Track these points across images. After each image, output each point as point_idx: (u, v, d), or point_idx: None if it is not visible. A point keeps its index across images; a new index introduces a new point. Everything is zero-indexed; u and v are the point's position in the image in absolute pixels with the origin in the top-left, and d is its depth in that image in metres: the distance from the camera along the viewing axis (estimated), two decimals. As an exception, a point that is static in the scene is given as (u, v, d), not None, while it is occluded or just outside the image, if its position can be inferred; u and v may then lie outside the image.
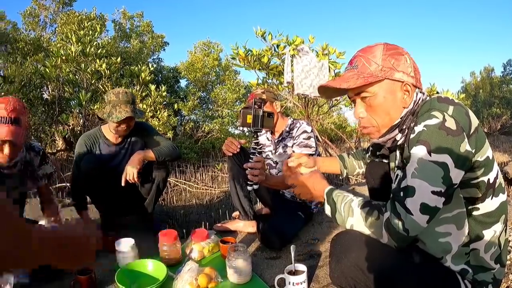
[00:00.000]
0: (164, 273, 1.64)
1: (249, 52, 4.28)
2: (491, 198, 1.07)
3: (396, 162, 1.24)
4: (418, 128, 1.03)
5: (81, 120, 5.02)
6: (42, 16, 8.04)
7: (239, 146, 2.22)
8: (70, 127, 5.09)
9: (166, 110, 5.43)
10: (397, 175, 1.20)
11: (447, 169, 0.99)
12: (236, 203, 2.32)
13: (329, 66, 4.35)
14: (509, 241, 1.98)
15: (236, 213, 2.58)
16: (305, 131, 2.28)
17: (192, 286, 1.56)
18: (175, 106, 6.50)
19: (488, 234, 1.09)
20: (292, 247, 1.62)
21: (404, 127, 1.15)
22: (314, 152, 2.25)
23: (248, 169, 1.65)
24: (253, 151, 1.63)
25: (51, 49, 5.07)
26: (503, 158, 5.22)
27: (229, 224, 2.39)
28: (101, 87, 4.78)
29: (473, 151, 1.01)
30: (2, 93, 3.81)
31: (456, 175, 1.01)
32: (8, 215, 0.60)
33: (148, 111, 5.00)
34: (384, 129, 1.18)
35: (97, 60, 4.61)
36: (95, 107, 4.58)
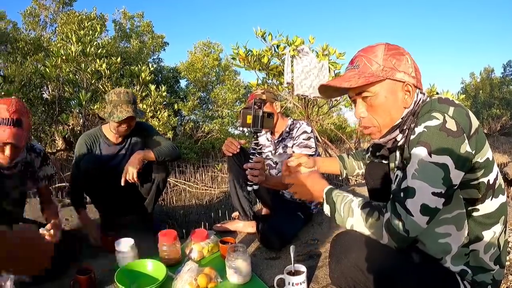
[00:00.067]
0: (163, 273, 1.64)
1: (249, 52, 4.28)
2: (491, 199, 1.08)
3: (396, 162, 1.24)
4: (418, 129, 1.03)
5: (81, 120, 5.02)
6: (42, 16, 8.05)
7: (239, 147, 2.22)
8: (70, 127, 5.09)
9: (166, 110, 5.43)
10: (397, 175, 1.21)
11: (448, 170, 0.99)
12: (236, 204, 2.32)
13: (329, 67, 4.35)
14: (509, 242, 1.98)
15: (235, 214, 2.58)
16: (305, 132, 2.28)
17: (192, 286, 1.56)
18: (175, 106, 6.50)
19: (488, 235, 1.09)
20: (291, 248, 1.62)
21: (404, 127, 1.15)
22: (314, 153, 2.25)
23: (248, 169, 1.65)
24: (253, 151, 1.63)
25: (51, 49, 5.07)
26: (503, 159, 5.22)
27: (229, 225, 2.39)
28: (101, 87, 4.78)
29: (473, 152, 1.02)
30: (2, 93, 3.80)
31: (456, 176, 1.01)
32: None
33: (148, 111, 5.00)
34: (385, 129, 1.18)
35: (97, 60, 4.61)
36: (95, 107, 4.58)
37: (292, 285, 1.53)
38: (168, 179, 2.76)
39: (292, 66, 4.16)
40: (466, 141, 1.00)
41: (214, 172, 5.02)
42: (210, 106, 8.74)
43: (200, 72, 8.33)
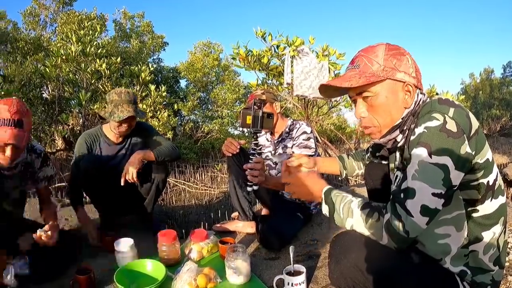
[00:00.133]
0: (163, 273, 1.64)
1: (249, 52, 4.28)
2: (491, 200, 1.08)
3: (396, 163, 1.24)
4: (418, 130, 1.03)
5: (81, 120, 5.02)
6: (43, 16, 8.05)
7: (238, 147, 2.22)
8: (69, 127, 5.09)
9: (166, 110, 5.42)
10: (397, 176, 1.21)
11: (448, 171, 0.99)
12: (235, 204, 2.32)
13: (329, 67, 4.35)
14: (508, 243, 1.98)
15: (235, 214, 2.58)
16: (304, 132, 2.28)
17: (191, 286, 1.56)
18: (175, 106, 6.49)
19: (487, 236, 1.09)
20: (291, 248, 1.62)
21: (405, 127, 1.15)
22: (313, 153, 2.25)
23: (248, 170, 1.65)
24: (253, 152, 1.63)
25: (51, 49, 5.07)
26: (503, 160, 5.22)
27: (228, 225, 2.39)
28: (101, 87, 4.77)
29: (473, 153, 1.02)
30: (2, 93, 3.80)
31: (456, 177, 1.01)
32: None
33: (148, 111, 5.00)
34: (385, 129, 1.18)
35: (97, 60, 4.61)
36: (95, 107, 4.58)
37: (292, 285, 1.53)
38: (167, 179, 2.76)
39: (292, 66, 4.16)
40: (466, 142, 1.00)
41: (213, 172, 5.02)
42: (210, 106, 8.74)
43: (200, 72, 8.33)
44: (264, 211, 2.58)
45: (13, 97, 1.64)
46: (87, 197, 2.42)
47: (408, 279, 1.12)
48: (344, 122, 9.34)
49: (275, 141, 2.40)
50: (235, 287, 1.67)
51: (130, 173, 2.05)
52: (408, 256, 1.14)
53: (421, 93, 1.16)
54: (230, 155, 2.23)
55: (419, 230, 1.02)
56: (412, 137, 1.05)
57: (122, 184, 2.05)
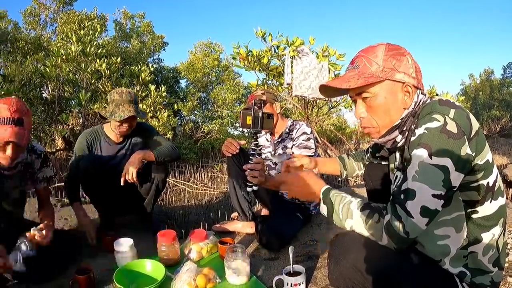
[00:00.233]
0: (162, 273, 1.64)
1: (250, 52, 4.28)
2: (490, 202, 1.08)
3: (396, 163, 1.24)
4: (419, 131, 1.03)
5: (81, 120, 5.02)
6: (43, 16, 8.05)
7: (238, 147, 2.22)
8: (69, 127, 5.09)
9: (166, 110, 5.42)
10: (397, 176, 1.21)
11: (448, 172, 0.99)
12: (235, 204, 2.32)
13: (329, 68, 4.35)
14: (508, 243, 1.98)
15: (235, 214, 2.58)
16: (304, 133, 2.28)
17: (191, 286, 1.56)
18: (175, 106, 6.49)
19: (487, 237, 1.09)
20: (290, 248, 1.62)
21: (404, 128, 1.15)
22: (313, 154, 2.25)
23: (248, 170, 1.65)
24: (253, 152, 1.63)
25: (51, 49, 5.07)
26: (502, 161, 5.22)
27: (228, 225, 2.39)
28: (101, 87, 4.77)
29: (473, 154, 1.02)
30: (2, 92, 3.80)
31: (456, 178, 1.01)
32: None
33: (148, 111, 5.00)
34: (384, 130, 1.18)
35: (97, 60, 4.61)
36: (95, 106, 4.58)
37: (291, 286, 1.53)
38: (167, 179, 2.76)
39: (292, 66, 4.16)
40: (467, 143, 1.00)
41: (213, 173, 5.02)
42: (210, 106, 8.74)
43: (200, 72, 8.33)
44: (264, 212, 2.58)
45: (13, 97, 1.64)
46: (87, 197, 2.42)
47: (408, 280, 1.12)
48: (344, 123, 9.35)
49: (275, 142, 2.40)
50: (234, 287, 1.67)
51: (130, 173, 2.05)
52: (408, 257, 1.15)
53: (421, 94, 1.15)
54: (230, 155, 2.23)
55: (419, 230, 1.02)
56: (413, 138, 1.05)
57: (122, 184, 2.05)
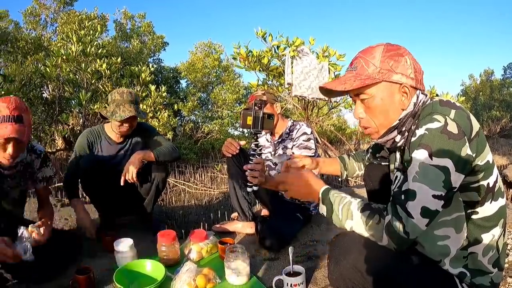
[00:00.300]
0: (162, 273, 1.64)
1: (250, 53, 4.28)
2: (490, 202, 1.08)
3: (396, 163, 1.25)
4: (419, 132, 1.04)
5: (81, 120, 5.01)
6: (43, 16, 8.06)
7: (238, 148, 2.22)
8: (70, 127, 5.09)
9: (166, 110, 5.42)
10: (397, 176, 1.21)
11: (448, 173, 0.99)
12: (235, 204, 2.32)
13: (329, 68, 4.35)
14: (507, 244, 1.98)
15: (235, 214, 2.58)
16: (305, 133, 2.28)
17: (190, 286, 1.56)
18: (175, 106, 6.49)
19: (487, 238, 1.09)
20: (290, 249, 1.62)
21: (403, 129, 1.15)
22: (313, 154, 2.25)
23: (248, 170, 1.65)
24: (253, 152, 1.63)
25: (52, 49, 5.07)
26: (503, 161, 5.22)
27: (228, 225, 2.39)
28: (101, 87, 4.77)
29: (474, 155, 1.02)
30: (3, 92, 3.80)
31: (457, 179, 1.01)
32: None
33: (148, 111, 5.00)
34: (382, 130, 1.19)
35: (98, 60, 4.61)
36: (95, 107, 4.58)
37: (291, 286, 1.53)
38: (167, 180, 2.76)
39: (292, 67, 4.16)
40: (467, 144, 1.00)
41: (213, 173, 5.02)
42: (210, 106, 8.74)
43: (200, 72, 8.33)
44: (264, 212, 2.58)
45: (11, 96, 1.65)
46: (87, 197, 2.42)
47: (407, 281, 1.12)
48: (344, 123, 9.35)
49: (275, 142, 2.40)
50: (234, 287, 1.67)
51: (130, 172, 2.06)
52: (408, 257, 1.15)
53: (422, 94, 1.15)
54: (230, 155, 2.23)
55: (419, 231, 1.02)
56: (413, 139, 1.05)
57: (122, 184, 2.06)
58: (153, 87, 5.13)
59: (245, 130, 1.73)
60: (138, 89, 5.10)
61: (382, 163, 1.48)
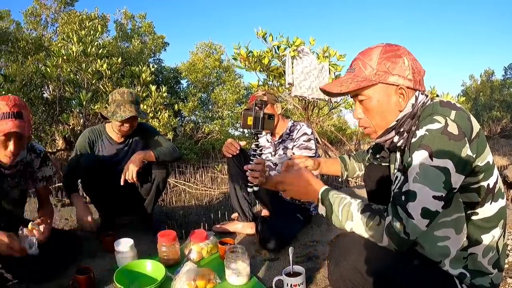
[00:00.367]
0: (162, 273, 1.65)
1: (250, 53, 4.28)
2: (490, 203, 1.08)
3: (396, 164, 1.25)
4: (420, 132, 1.04)
5: (82, 120, 5.02)
6: (44, 16, 8.06)
7: (239, 148, 2.23)
8: (70, 127, 5.09)
9: (167, 111, 5.42)
10: (397, 177, 1.21)
11: (449, 174, 0.99)
12: (235, 205, 2.32)
13: (329, 69, 4.35)
14: (508, 245, 1.98)
15: (235, 215, 2.58)
16: (305, 133, 2.28)
17: (191, 286, 1.57)
18: (176, 107, 6.49)
19: (487, 238, 1.09)
20: (290, 249, 1.62)
21: (401, 129, 1.15)
22: (314, 154, 2.25)
23: (249, 170, 1.65)
24: (254, 153, 1.64)
25: (52, 49, 5.07)
26: (503, 162, 5.22)
27: (228, 226, 2.39)
28: (102, 87, 4.78)
29: (474, 156, 1.02)
30: (3, 92, 3.80)
31: (457, 179, 1.01)
32: None
33: (148, 111, 5.00)
34: (379, 131, 1.20)
35: (98, 60, 4.61)
36: (96, 107, 4.58)
37: (291, 286, 1.53)
38: (168, 180, 2.76)
39: (292, 67, 4.16)
40: (467, 144, 1.00)
41: (214, 173, 5.02)
42: (211, 107, 8.74)
43: (201, 72, 8.33)
44: (264, 212, 2.58)
45: (9, 94, 1.67)
46: (87, 197, 2.42)
47: (407, 282, 1.12)
48: (345, 124, 9.35)
49: (276, 142, 2.40)
50: (234, 287, 1.68)
51: (130, 172, 2.06)
52: (408, 258, 1.14)
53: (422, 94, 1.15)
54: (230, 156, 2.23)
55: (419, 232, 1.02)
56: (413, 139, 1.05)
57: (121, 183, 2.06)
58: (153, 87, 5.13)
59: (246, 131, 1.74)
60: (139, 89, 5.10)
61: (383, 164, 1.49)
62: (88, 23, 6.14)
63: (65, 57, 4.36)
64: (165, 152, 2.24)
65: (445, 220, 1.09)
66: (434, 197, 0.99)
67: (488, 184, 1.06)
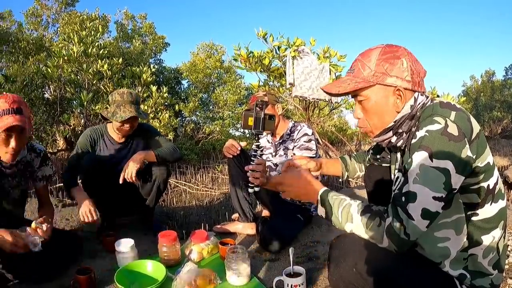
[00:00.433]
0: (163, 274, 1.65)
1: (251, 54, 4.29)
2: (490, 204, 1.08)
3: (397, 165, 1.25)
4: (420, 133, 1.04)
5: (82, 120, 5.03)
6: (45, 16, 8.07)
7: (239, 148, 2.23)
8: (71, 127, 5.10)
9: (167, 111, 5.42)
10: (397, 177, 1.21)
11: (449, 175, 0.99)
12: (236, 205, 2.32)
13: (330, 69, 4.35)
14: (508, 246, 1.98)
15: (235, 215, 2.58)
16: (306, 134, 2.28)
17: (191, 287, 1.57)
18: (176, 107, 6.49)
19: (487, 239, 1.09)
20: (290, 250, 1.62)
21: (400, 130, 1.16)
22: (314, 155, 2.25)
23: (250, 171, 1.65)
24: (254, 153, 1.64)
25: (53, 49, 5.08)
26: (504, 162, 5.21)
27: (229, 226, 2.39)
28: (103, 88, 4.78)
29: (474, 157, 1.02)
30: (4, 92, 3.81)
31: (457, 180, 1.01)
32: None
33: (149, 112, 5.00)
34: (376, 131, 1.21)
35: (99, 61, 4.62)
36: (97, 107, 4.59)
37: (291, 287, 1.53)
38: (168, 180, 2.76)
39: (293, 67, 4.16)
40: (467, 145, 1.00)
41: (214, 174, 5.02)
42: (211, 107, 8.74)
43: (201, 73, 8.33)
44: (265, 213, 2.58)
45: (7, 93, 1.69)
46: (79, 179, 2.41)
47: (408, 282, 1.12)
48: (345, 124, 9.34)
49: (276, 143, 2.40)
50: (235, 288, 1.68)
51: (130, 171, 2.07)
52: (408, 259, 1.15)
53: (422, 95, 1.15)
54: (231, 156, 2.23)
55: (420, 233, 1.02)
56: (414, 140, 1.06)
57: (120, 182, 2.07)
58: (154, 88, 5.13)
59: (247, 131, 1.74)
60: (140, 90, 5.10)
61: (383, 164, 1.49)
62: (89, 23, 6.15)
63: (66, 58, 4.37)
64: (166, 153, 2.25)
65: (445, 221, 1.09)
66: (434, 198, 1.00)
67: (488, 185, 1.06)
